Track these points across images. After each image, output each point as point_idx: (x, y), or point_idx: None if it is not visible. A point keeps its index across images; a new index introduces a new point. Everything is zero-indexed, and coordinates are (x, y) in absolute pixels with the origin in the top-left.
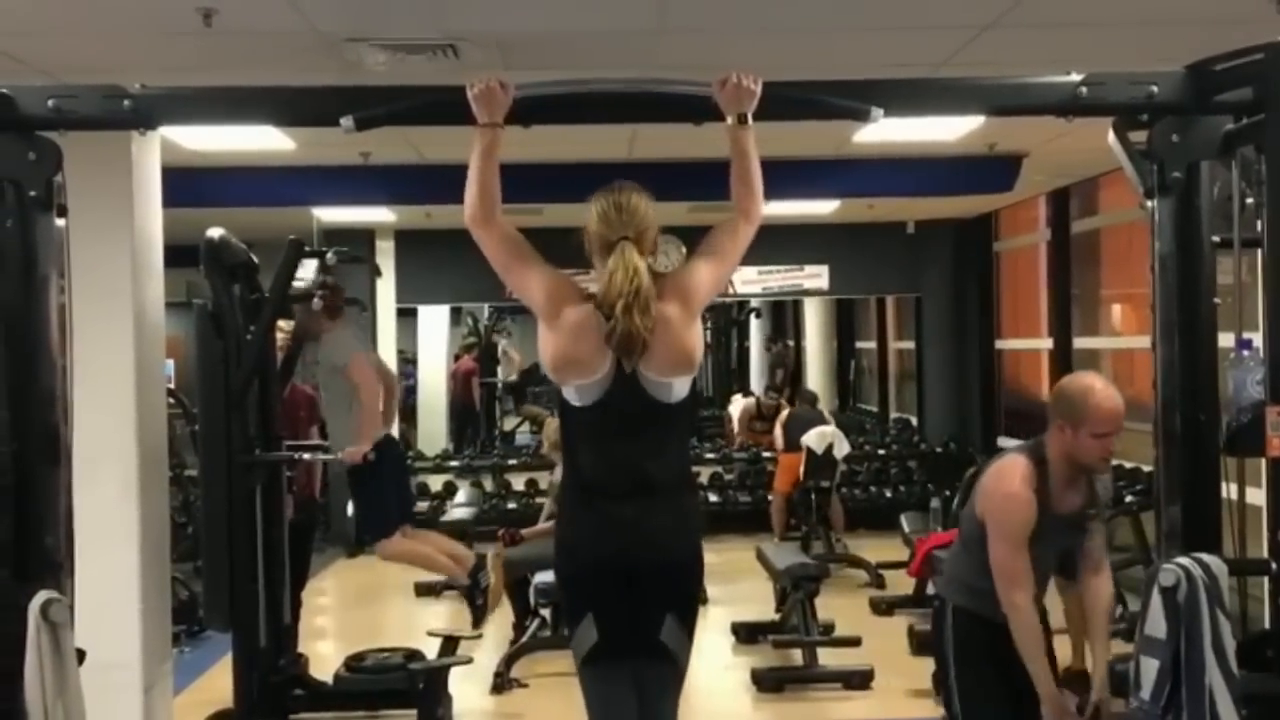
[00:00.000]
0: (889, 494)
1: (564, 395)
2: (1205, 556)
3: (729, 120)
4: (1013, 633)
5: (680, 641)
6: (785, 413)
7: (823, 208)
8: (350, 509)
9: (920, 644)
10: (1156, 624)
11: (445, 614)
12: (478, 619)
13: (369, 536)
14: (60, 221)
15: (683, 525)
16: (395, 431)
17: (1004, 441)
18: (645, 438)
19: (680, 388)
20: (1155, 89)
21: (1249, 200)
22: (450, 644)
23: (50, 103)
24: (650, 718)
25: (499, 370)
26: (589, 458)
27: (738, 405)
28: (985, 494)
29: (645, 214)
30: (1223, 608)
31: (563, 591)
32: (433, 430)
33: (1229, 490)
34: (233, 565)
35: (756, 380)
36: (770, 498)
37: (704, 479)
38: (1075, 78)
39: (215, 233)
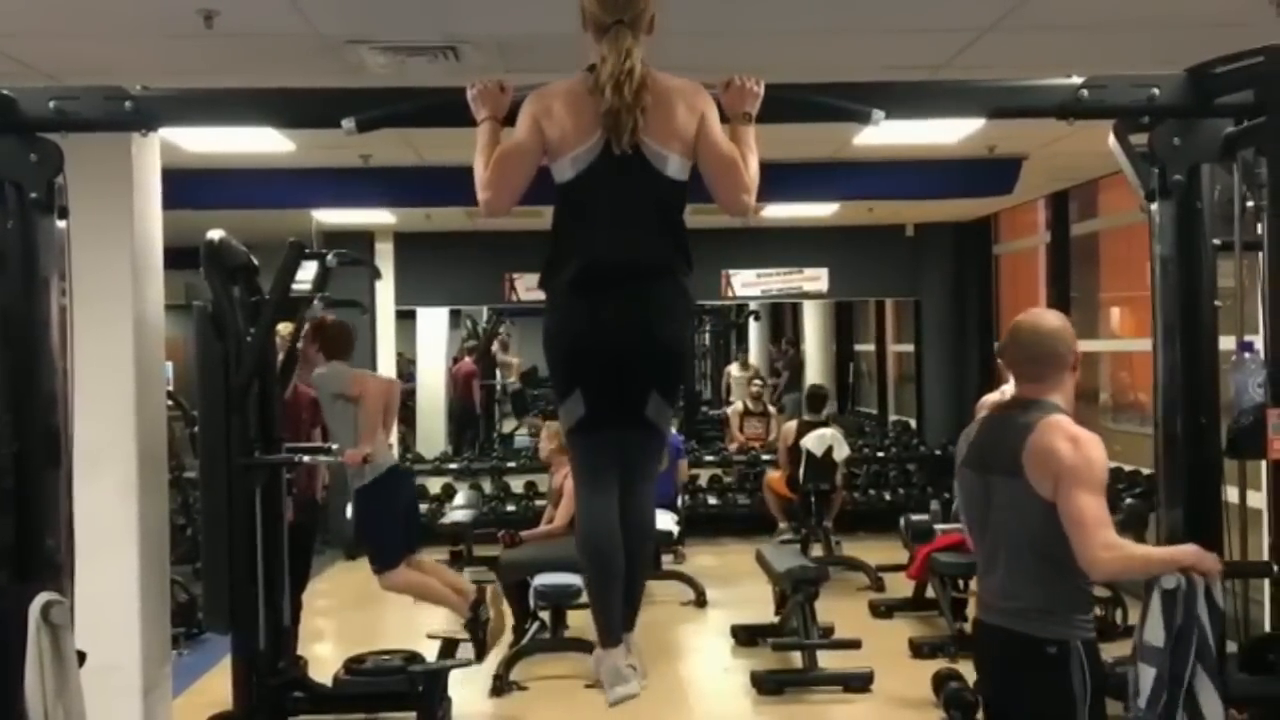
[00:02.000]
0: (888, 497)
1: (556, 178)
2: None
3: (732, 120)
4: (1123, 572)
5: (663, 414)
6: (792, 434)
7: (822, 210)
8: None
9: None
10: (1155, 631)
11: (445, 616)
12: (479, 653)
13: (374, 566)
14: (61, 223)
15: (670, 307)
16: (394, 437)
17: None
18: (637, 212)
19: (675, 163)
20: (1156, 92)
21: (1250, 203)
22: (450, 646)
23: (52, 104)
24: (633, 476)
25: (498, 374)
26: (578, 232)
27: (737, 404)
28: (1046, 456)
29: None
30: (1219, 616)
31: (551, 368)
32: (431, 432)
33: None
34: (232, 567)
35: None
36: (765, 495)
37: (703, 481)
38: (1076, 80)
39: (215, 235)
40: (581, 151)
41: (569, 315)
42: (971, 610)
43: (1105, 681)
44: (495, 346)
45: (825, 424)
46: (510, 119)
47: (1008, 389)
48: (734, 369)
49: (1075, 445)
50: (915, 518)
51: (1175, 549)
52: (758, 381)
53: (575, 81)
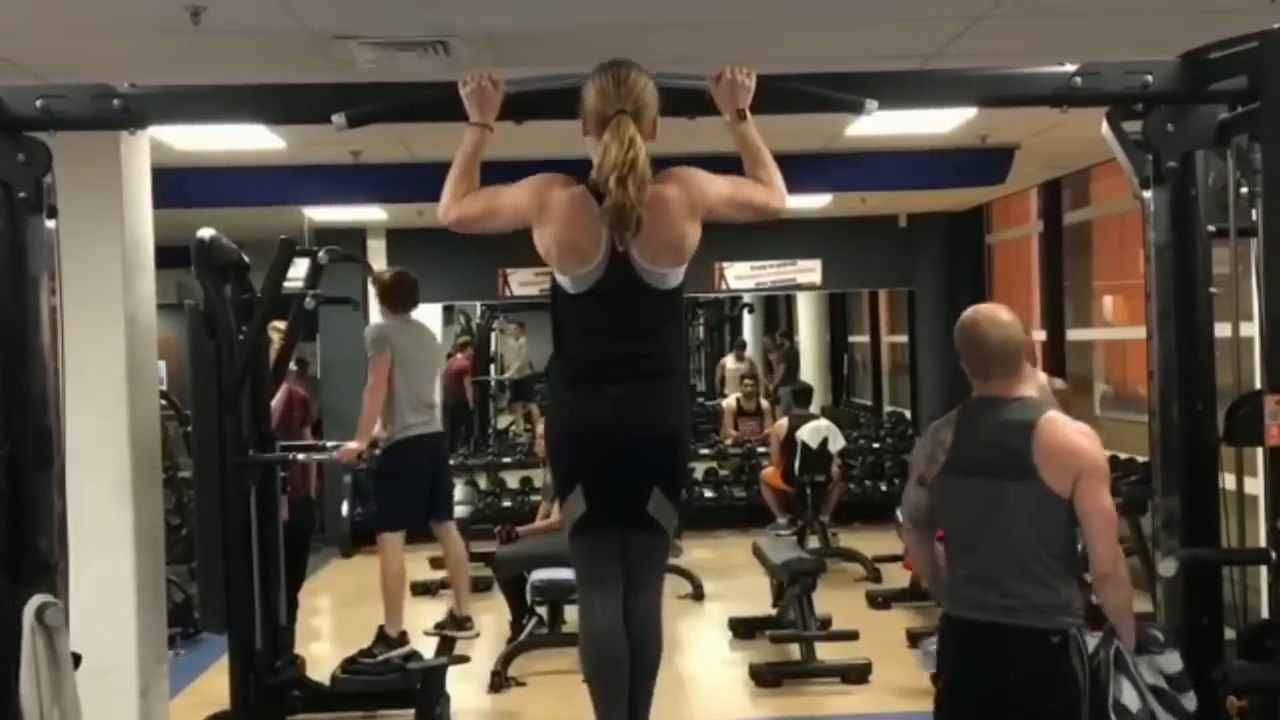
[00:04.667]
0: (884, 488)
1: (558, 283)
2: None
3: (728, 118)
4: (1118, 593)
5: (666, 512)
6: (784, 431)
7: (815, 202)
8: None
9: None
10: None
11: (442, 613)
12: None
13: (372, 523)
14: (50, 223)
15: (670, 402)
16: (435, 398)
17: None
18: (637, 323)
19: (674, 276)
20: (1150, 78)
21: (1244, 189)
22: (447, 643)
23: (39, 103)
24: (636, 580)
25: (492, 368)
26: (580, 343)
27: (731, 399)
28: (1062, 454)
29: (645, 90)
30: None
31: (552, 465)
32: None
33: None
34: (228, 567)
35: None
36: (761, 489)
37: (698, 474)
38: (1070, 68)
39: (206, 233)
40: (586, 271)
41: (571, 412)
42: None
43: (1098, 668)
44: (507, 330)
45: (817, 417)
46: (503, 114)
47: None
48: (729, 361)
49: (1092, 442)
50: None
51: (1129, 628)
52: (749, 381)
53: (579, 196)
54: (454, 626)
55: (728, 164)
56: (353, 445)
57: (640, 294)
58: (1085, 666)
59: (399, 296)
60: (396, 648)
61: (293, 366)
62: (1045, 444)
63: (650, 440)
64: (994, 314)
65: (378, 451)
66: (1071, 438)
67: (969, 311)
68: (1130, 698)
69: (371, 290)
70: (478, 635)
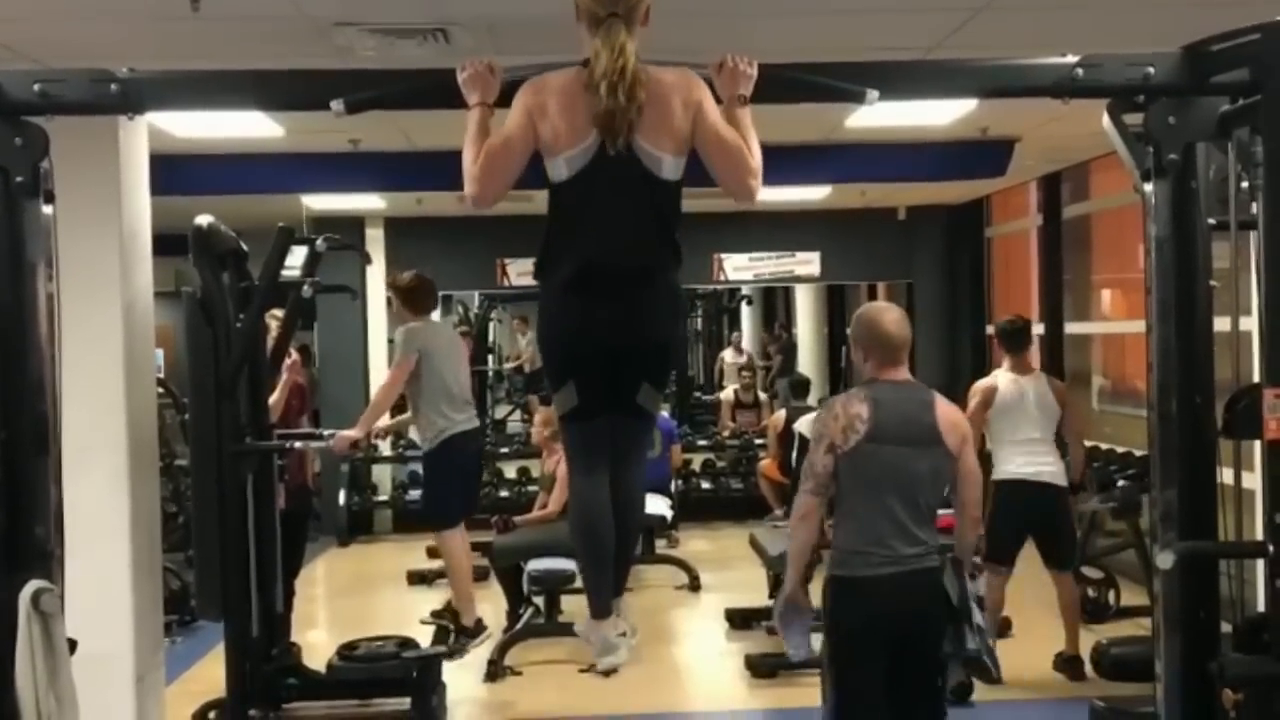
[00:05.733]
0: None
1: (551, 178)
2: None
3: (726, 103)
4: (978, 529)
5: (653, 400)
6: (781, 423)
7: (814, 194)
8: (342, 496)
9: None
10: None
11: (438, 602)
12: (456, 650)
13: (432, 522)
14: (47, 209)
15: (662, 307)
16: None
17: None
18: (630, 213)
19: (670, 164)
20: (1151, 70)
21: (1245, 182)
22: (444, 632)
23: (36, 87)
24: (624, 458)
25: (490, 359)
26: (571, 237)
27: (729, 391)
28: (954, 425)
29: None
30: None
31: (545, 361)
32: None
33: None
34: (224, 554)
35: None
36: (758, 480)
37: (696, 466)
38: (1071, 59)
39: (204, 220)
40: (576, 153)
41: (563, 314)
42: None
43: (961, 587)
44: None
45: (815, 409)
46: (503, 101)
47: (1000, 374)
48: (728, 355)
49: (962, 415)
50: None
51: (971, 555)
52: (747, 373)
53: (570, 77)
54: (468, 631)
55: None
56: (349, 433)
57: (635, 178)
58: (954, 583)
59: (421, 298)
60: (475, 635)
61: (294, 355)
62: (942, 417)
63: (642, 345)
64: (894, 312)
65: (424, 449)
66: (957, 413)
67: (872, 308)
68: (978, 615)
69: (387, 292)
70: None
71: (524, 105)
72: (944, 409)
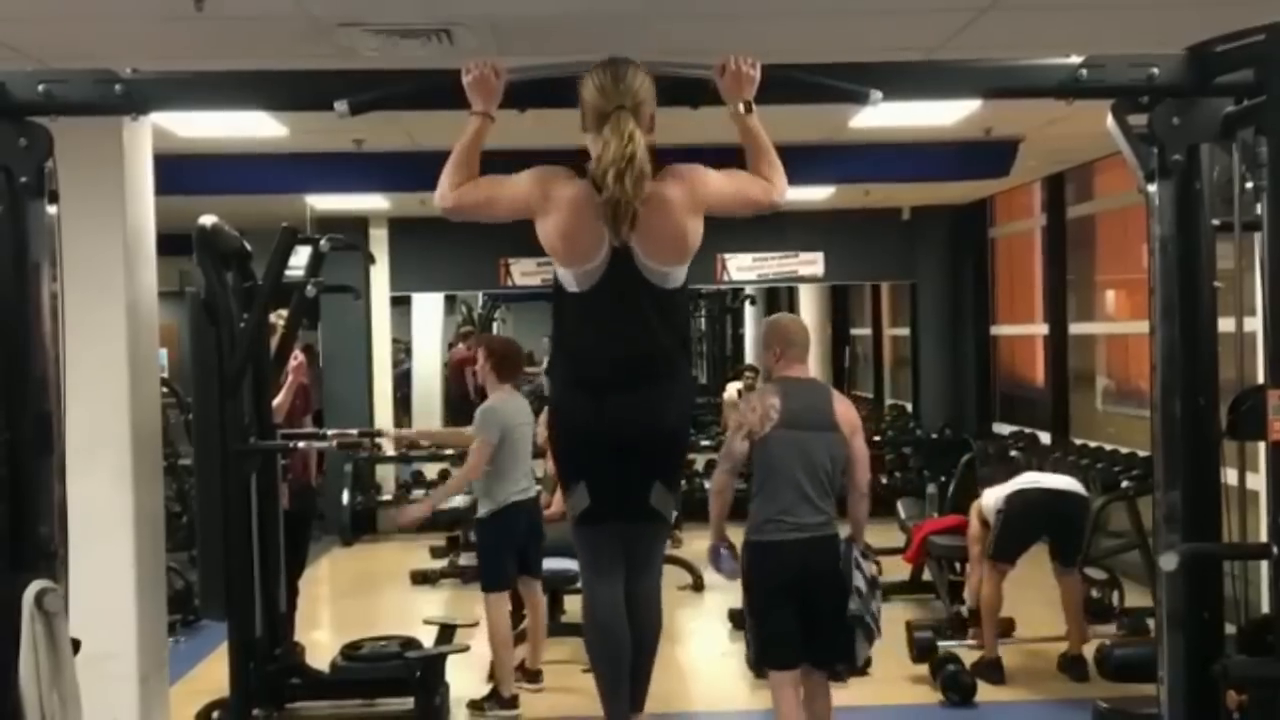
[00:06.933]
0: (885, 480)
1: (560, 281)
2: None
3: (732, 109)
4: (866, 507)
5: (666, 502)
6: None
7: (818, 194)
8: (345, 497)
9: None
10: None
11: (441, 602)
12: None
13: (481, 585)
14: (51, 209)
15: (672, 405)
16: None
17: (999, 428)
18: (639, 323)
19: (676, 275)
20: (1156, 71)
21: (1249, 183)
22: (447, 632)
23: (41, 88)
24: (638, 565)
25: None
26: (582, 343)
27: (732, 390)
28: (847, 416)
29: (643, 86)
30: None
31: (557, 460)
32: (427, 418)
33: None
34: (228, 554)
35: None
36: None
37: (699, 466)
38: (1075, 60)
39: (208, 220)
40: (587, 270)
41: (573, 410)
42: (967, 595)
43: (854, 559)
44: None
45: None
46: (506, 103)
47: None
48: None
49: (852, 407)
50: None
51: (862, 534)
52: (750, 374)
53: (581, 190)
54: (523, 678)
55: (729, 155)
56: (416, 510)
57: (642, 293)
58: (846, 558)
59: (509, 366)
60: (505, 708)
61: (300, 355)
62: (838, 408)
63: (652, 443)
64: (799, 320)
65: (479, 515)
66: (848, 405)
67: (781, 317)
68: (859, 580)
69: (477, 354)
70: (540, 690)
71: (531, 189)
72: (839, 401)
